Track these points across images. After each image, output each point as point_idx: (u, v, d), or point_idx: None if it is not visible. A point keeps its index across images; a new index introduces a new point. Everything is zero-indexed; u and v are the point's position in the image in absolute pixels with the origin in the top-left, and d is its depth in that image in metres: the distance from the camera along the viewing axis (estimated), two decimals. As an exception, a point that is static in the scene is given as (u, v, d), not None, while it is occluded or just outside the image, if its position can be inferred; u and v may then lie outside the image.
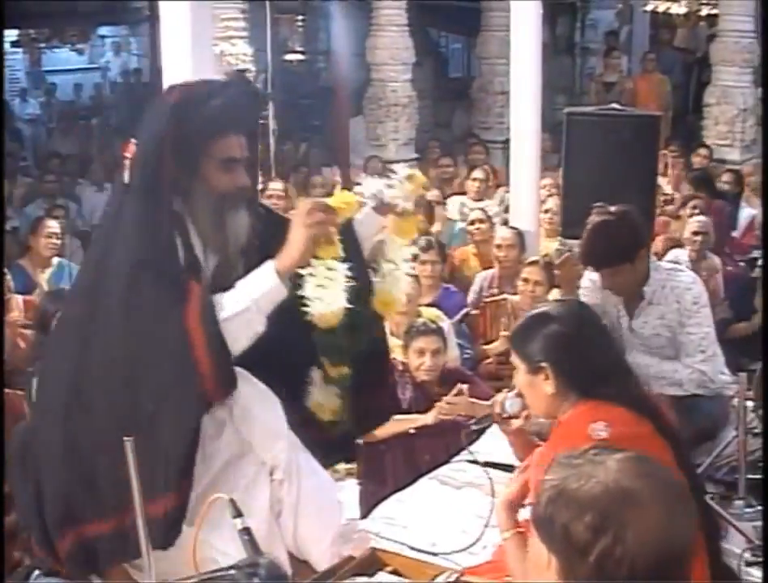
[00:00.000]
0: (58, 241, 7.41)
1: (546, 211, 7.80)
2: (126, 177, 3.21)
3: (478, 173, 9.44)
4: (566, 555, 1.73)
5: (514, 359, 3.09)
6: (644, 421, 2.87)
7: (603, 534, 1.69)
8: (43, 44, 18.54)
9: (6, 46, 18.88)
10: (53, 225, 7.42)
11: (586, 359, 2.98)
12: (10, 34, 18.41)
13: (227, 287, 3.18)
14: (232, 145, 3.24)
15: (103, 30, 19.87)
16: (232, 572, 1.14)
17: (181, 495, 3.05)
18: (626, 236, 4.40)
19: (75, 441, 3.16)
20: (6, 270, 6.35)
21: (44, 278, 7.26)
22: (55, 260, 7.37)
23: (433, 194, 8.65)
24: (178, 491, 3.05)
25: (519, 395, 3.22)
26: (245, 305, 3.11)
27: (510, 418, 3.34)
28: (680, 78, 14.73)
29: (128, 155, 3.24)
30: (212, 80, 3.39)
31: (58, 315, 3.70)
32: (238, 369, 3.17)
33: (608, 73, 13.14)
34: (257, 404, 3.31)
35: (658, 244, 7.23)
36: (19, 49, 18.98)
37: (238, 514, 2.53)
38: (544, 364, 2.96)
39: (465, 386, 4.77)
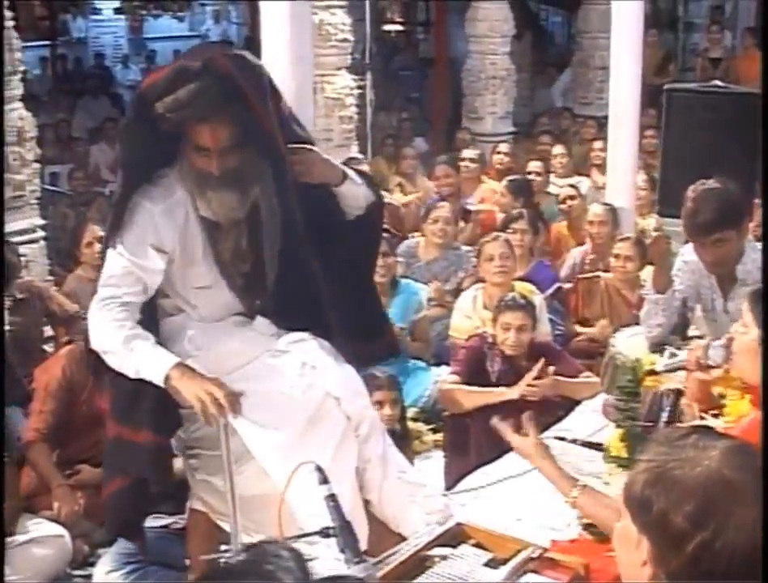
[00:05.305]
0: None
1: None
2: None
3: (559, 149, 9.36)
4: (660, 542, 1.65)
5: (751, 322, 2.84)
6: None
7: (704, 525, 1.60)
8: (145, 12, 18.86)
9: (110, 13, 19.30)
10: None
11: None
12: (114, 1, 18.82)
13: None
14: (203, 133, 3.26)
15: (204, -2, 20.22)
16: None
17: None
18: (733, 202, 4.23)
19: None
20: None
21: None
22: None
23: (535, 166, 8.65)
24: None
25: (726, 347, 3.12)
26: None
27: (709, 367, 3.26)
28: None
29: None
30: (184, 68, 3.23)
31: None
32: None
33: (712, 48, 12.82)
34: (330, 357, 3.47)
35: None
36: (122, 16, 19.35)
37: (324, 481, 2.61)
38: None
39: (551, 368, 4.75)
